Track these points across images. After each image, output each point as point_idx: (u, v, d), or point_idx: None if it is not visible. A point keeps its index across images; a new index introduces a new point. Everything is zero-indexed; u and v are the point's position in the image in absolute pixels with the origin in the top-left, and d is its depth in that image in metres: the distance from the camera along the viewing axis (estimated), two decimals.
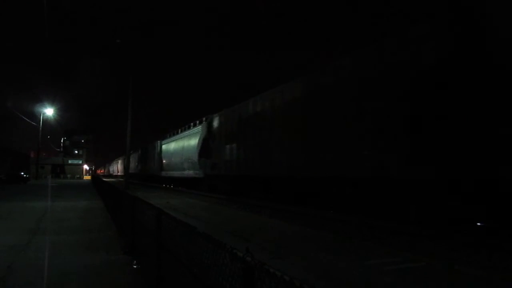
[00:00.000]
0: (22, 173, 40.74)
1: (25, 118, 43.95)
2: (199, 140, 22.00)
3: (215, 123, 20.01)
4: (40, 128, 46.75)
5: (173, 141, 29.79)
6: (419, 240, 6.75)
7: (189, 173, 24.39)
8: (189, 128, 26.51)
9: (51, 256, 5.34)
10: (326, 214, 10.29)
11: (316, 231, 7.73)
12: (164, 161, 31.98)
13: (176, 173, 28.04)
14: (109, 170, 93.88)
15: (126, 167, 27.18)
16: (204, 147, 20.99)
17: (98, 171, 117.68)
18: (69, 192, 21.81)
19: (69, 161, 73.53)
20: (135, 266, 4.78)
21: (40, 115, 46.99)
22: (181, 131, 28.41)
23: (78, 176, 69.12)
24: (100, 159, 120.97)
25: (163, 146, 32.60)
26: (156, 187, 30.23)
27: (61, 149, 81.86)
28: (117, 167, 71.57)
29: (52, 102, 49.41)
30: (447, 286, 4.22)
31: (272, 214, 10.99)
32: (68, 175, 67.61)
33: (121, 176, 49.60)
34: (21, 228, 7.81)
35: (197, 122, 24.32)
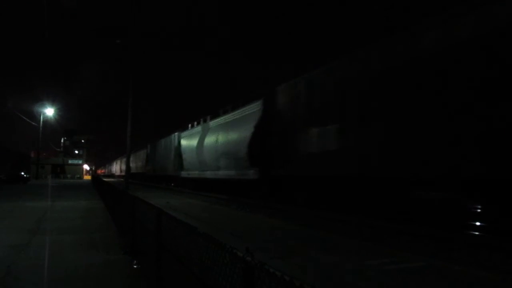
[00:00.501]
0: (22, 173, 40.75)
1: (25, 118, 44.07)
2: (249, 126, 15.62)
3: (282, 99, 13.50)
4: (40, 128, 46.81)
5: (198, 133, 23.10)
6: (419, 240, 6.75)
7: (229, 173, 17.76)
8: (225, 113, 19.72)
9: (52, 256, 5.35)
10: (326, 214, 10.28)
11: (316, 231, 7.73)
12: (185, 158, 25.13)
13: (205, 174, 21.51)
14: (110, 170, 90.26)
15: (127, 167, 27.20)
16: (260, 135, 14.66)
17: (99, 171, 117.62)
18: (69, 192, 21.82)
19: (69, 161, 73.58)
20: (135, 266, 4.78)
21: (40, 115, 47.07)
22: (211, 119, 21.90)
23: (78, 176, 69.19)
24: (100, 159, 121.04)
25: (183, 140, 26.00)
26: (156, 187, 30.22)
27: (61, 149, 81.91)
28: (120, 167, 67.35)
29: (52, 102, 49.54)
30: (447, 286, 4.22)
31: (272, 214, 10.98)
32: (68, 175, 67.67)
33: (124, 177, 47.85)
34: (22, 228, 7.81)
35: (241, 103, 18.07)
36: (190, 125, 26.70)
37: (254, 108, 15.93)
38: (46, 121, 49.90)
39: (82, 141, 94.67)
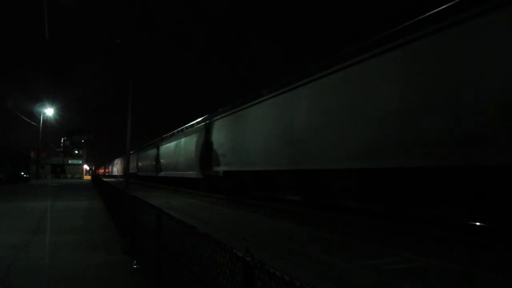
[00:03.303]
0: (22, 173, 40.75)
1: (25, 118, 44.13)
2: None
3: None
4: (40, 128, 46.81)
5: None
6: (419, 240, 6.75)
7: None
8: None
9: (52, 256, 5.35)
10: (326, 214, 10.29)
11: (316, 231, 7.73)
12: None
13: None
14: (119, 169, 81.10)
15: (126, 167, 27.19)
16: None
17: (100, 171, 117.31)
18: (69, 192, 21.81)
19: (69, 161, 73.68)
20: (135, 266, 4.78)
21: (40, 115, 47.09)
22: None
23: (78, 176, 69.22)
24: (100, 158, 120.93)
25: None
26: (156, 187, 30.19)
27: (61, 149, 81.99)
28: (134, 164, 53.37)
29: (52, 102, 49.64)
30: (447, 286, 4.22)
31: (272, 214, 10.99)
32: (68, 175, 67.74)
33: (146, 178, 39.17)
34: (22, 228, 7.81)
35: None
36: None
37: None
38: (46, 121, 49.95)
39: (82, 141, 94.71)
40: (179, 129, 27.13)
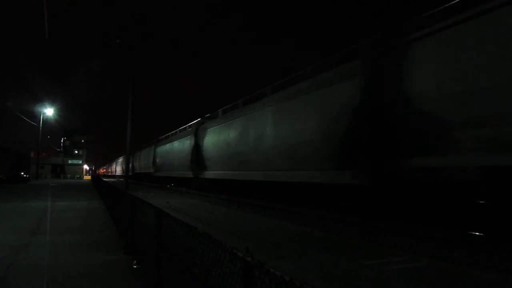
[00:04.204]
0: (22, 173, 40.78)
1: (25, 118, 44.13)
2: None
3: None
4: (40, 128, 46.80)
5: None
6: (419, 240, 6.74)
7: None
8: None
9: (52, 256, 5.35)
10: (326, 214, 10.28)
11: (316, 231, 7.73)
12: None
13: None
14: (126, 168, 66.35)
15: (126, 167, 27.20)
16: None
17: (101, 171, 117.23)
18: (69, 192, 21.81)
19: (69, 161, 73.78)
20: (135, 266, 4.78)
21: (40, 115, 47.09)
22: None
23: (78, 176, 69.24)
24: (101, 158, 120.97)
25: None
26: (156, 187, 30.19)
27: (61, 149, 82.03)
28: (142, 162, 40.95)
29: (52, 102, 49.63)
30: (447, 286, 4.22)
31: (272, 214, 10.99)
32: (68, 175, 67.76)
33: (171, 180, 28.62)
34: (22, 228, 7.81)
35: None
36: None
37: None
38: (46, 121, 49.94)
39: (82, 141, 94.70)
40: (249, 96, 15.90)
